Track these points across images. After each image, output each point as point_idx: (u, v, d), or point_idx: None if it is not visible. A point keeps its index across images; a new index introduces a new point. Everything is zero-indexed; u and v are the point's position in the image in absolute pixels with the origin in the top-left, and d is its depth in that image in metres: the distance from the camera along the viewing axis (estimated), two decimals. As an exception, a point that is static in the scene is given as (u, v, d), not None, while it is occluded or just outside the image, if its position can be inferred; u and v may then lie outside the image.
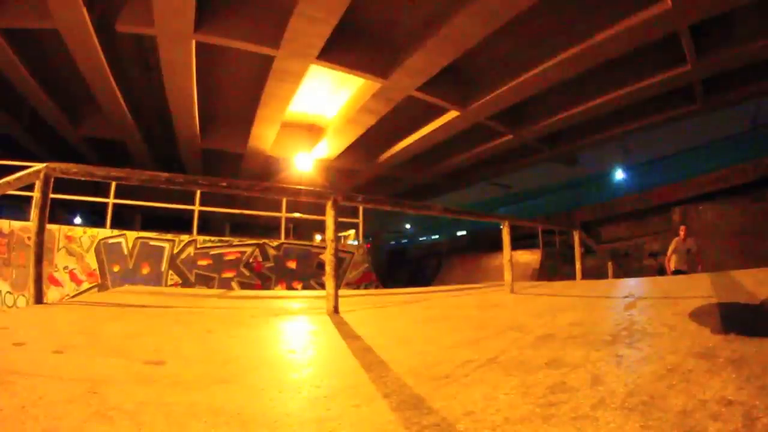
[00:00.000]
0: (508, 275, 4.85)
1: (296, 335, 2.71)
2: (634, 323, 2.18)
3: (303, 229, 20.12)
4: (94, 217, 21.70)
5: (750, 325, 1.95)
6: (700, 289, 3.14)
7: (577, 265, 6.93)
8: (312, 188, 3.99)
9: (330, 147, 18.91)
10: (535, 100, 15.96)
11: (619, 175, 23.70)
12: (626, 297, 3.20)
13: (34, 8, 10.33)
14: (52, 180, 3.58)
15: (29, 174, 3.55)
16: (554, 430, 1.08)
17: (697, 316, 2.14)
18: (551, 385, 1.37)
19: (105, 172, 3.73)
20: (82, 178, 3.59)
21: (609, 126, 19.04)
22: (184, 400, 1.35)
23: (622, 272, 13.15)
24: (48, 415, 1.19)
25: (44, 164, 3.37)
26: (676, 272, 8.86)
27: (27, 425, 1.13)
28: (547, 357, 1.71)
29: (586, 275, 7.31)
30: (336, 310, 3.27)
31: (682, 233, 9.30)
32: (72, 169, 3.64)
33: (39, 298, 3.23)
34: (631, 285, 4.22)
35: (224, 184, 3.44)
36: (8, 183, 3.95)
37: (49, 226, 4.12)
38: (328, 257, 3.34)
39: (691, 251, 9.14)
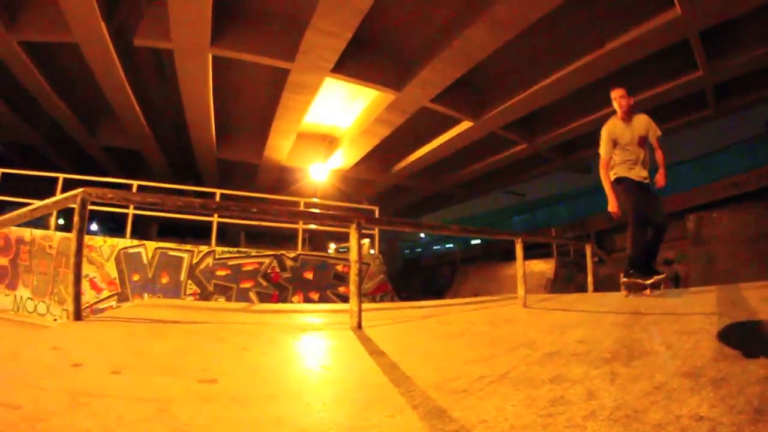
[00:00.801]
0: (521, 290, 5.05)
1: (326, 351, 2.96)
2: (635, 341, 2.36)
3: (318, 239, 20.34)
4: (111, 224, 22.07)
5: (747, 345, 2.03)
6: (705, 305, 3.30)
7: (589, 278, 7.06)
8: (336, 212, 4.24)
9: (345, 157, 19.16)
10: (547, 110, 16.09)
11: (633, 182, 23.52)
12: (633, 313, 3.38)
13: (53, 22, 10.73)
14: (89, 203, 3.63)
15: (66, 198, 3.64)
16: (550, 437, 1.31)
17: (697, 332, 2.31)
18: (552, 399, 1.58)
19: (140, 197, 3.90)
20: (119, 203, 3.78)
21: (621, 133, 19.01)
22: (246, 414, 1.57)
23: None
24: (133, 434, 1.35)
25: (81, 189, 3.41)
26: (620, 181, 4.70)
27: (118, 445, 1.30)
28: (551, 373, 1.90)
29: (599, 285, 7.44)
30: (359, 325, 3.50)
31: (619, 105, 4.88)
32: (108, 195, 3.82)
33: (78, 315, 3.38)
34: (639, 299, 4.36)
35: (255, 209, 3.66)
36: (47, 206, 4.25)
37: (70, 235, 4.36)
38: (352, 277, 3.60)
39: (646, 139, 4.80)
